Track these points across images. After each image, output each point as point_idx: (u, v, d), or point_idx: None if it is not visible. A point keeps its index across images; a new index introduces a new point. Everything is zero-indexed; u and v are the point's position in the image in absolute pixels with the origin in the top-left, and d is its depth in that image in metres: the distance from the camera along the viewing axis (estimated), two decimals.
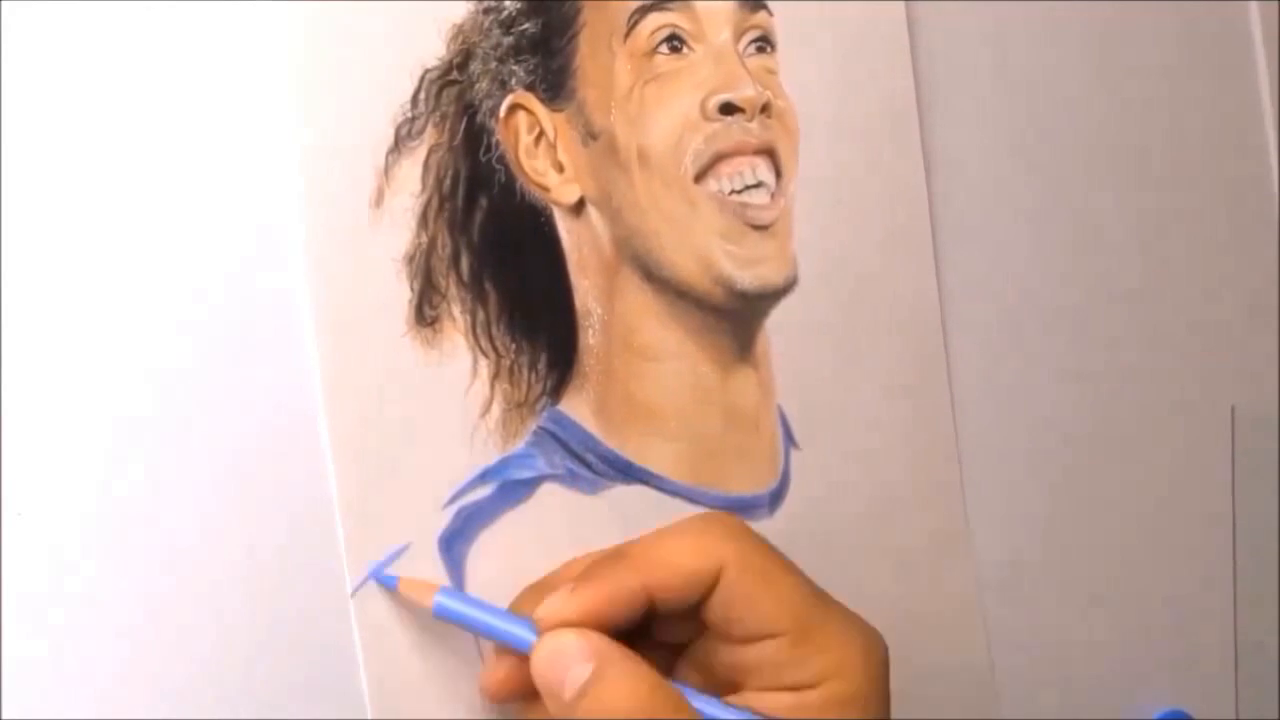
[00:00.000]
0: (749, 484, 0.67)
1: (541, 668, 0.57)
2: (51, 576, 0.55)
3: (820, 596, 0.59)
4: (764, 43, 0.67)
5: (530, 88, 0.63)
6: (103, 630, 0.56)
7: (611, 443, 0.64)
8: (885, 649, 0.59)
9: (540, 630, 0.57)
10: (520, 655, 0.58)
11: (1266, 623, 0.78)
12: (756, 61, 0.66)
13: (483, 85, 0.62)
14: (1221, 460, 0.80)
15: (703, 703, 0.58)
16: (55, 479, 0.55)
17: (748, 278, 0.66)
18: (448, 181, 0.62)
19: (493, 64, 0.63)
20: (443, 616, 0.59)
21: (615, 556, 0.59)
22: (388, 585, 0.59)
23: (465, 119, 0.62)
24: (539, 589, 0.60)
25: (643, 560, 0.58)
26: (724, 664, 0.59)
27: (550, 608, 0.57)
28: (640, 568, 0.58)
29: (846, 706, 0.57)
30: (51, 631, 0.55)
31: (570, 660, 0.56)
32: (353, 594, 0.59)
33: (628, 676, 0.56)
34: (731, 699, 0.59)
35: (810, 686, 0.58)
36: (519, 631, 0.58)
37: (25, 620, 0.54)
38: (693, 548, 0.58)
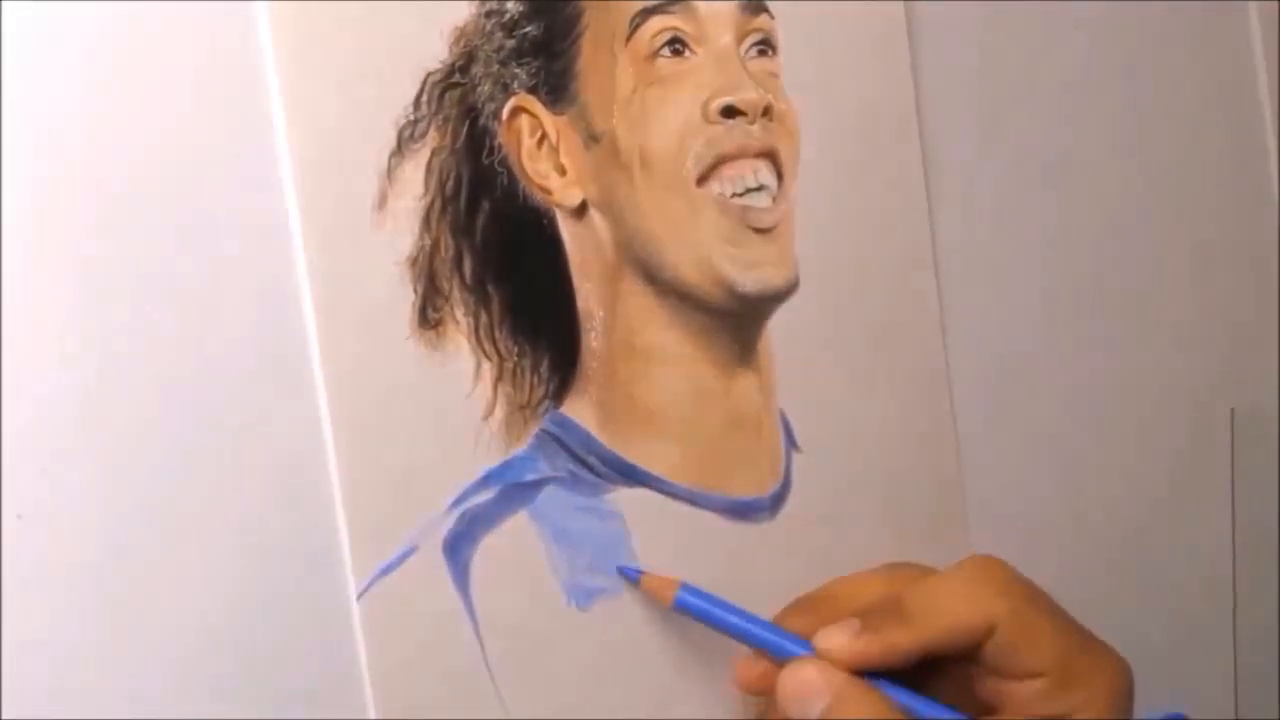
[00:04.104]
0: (751, 486, 0.67)
1: (787, 692, 0.61)
2: (52, 578, 0.55)
3: (1080, 633, 0.63)
4: (765, 46, 0.67)
5: (532, 90, 0.63)
6: (103, 631, 0.56)
7: (613, 445, 0.64)
8: (1131, 680, 0.63)
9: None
10: (774, 660, 0.62)
11: (1266, 623, 0.79)
12: (758, 64, 0.66)
13: (485, 88, 0.62)
14: (1221, 460, 0.80)
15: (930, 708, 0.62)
16: (55, 481, 0.55)
17: (749, 280, 0.66)
18: (450, 184, 0.62)
19: (495, 67, 0.63)
20: (684, 609, 0.63)
21: (893, 610, 0.61)
22: (630, 577, 0.63)
23: (468, 122, 0.62)
24: (808, 606, 0.64)
25: (921, 617, 0.61)
26: (984, 690, 0.62)
27: (831, 643, 0.61)
28: (919, 625, 0.61)
29: None
30: (51, 632, 0.55)
31: (812, 691, 0.60)
32: (359, 597, 0.59)
33: (859, 710, 0.60)
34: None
35: (1063, 718, 0.61)
36: (782, 642, 0.62)
37: (25, 621, 0.54)
38: (969, 604, 0.61)
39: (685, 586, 0.63)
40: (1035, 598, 0.63)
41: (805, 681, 0.61)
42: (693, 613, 0.63)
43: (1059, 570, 0.74)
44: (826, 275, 0.68)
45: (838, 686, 0.60)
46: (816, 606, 0.64)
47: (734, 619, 0.63)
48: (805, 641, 0.62)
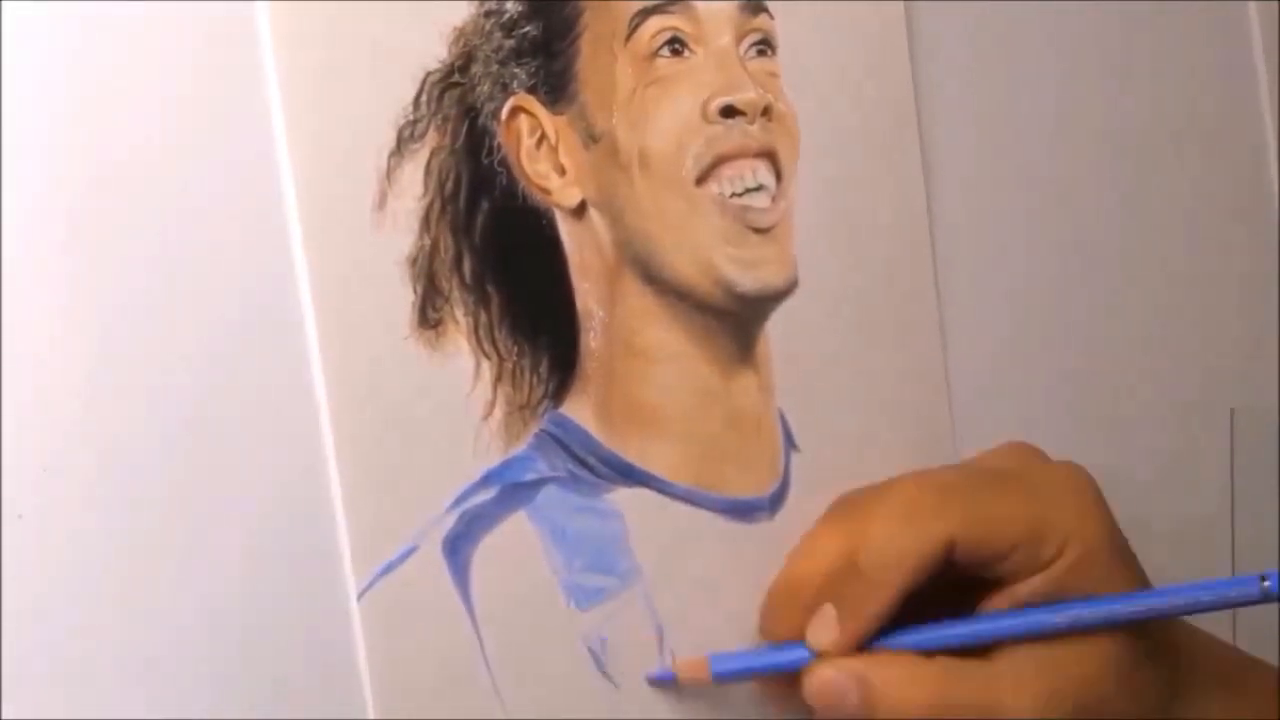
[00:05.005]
0: (750, 486, 0.67)
1: (818, 700, 0.63)
2: (52, 579, 0.55)
3: (1027, 484, 0.65)
4: (765, 46, 0.67)
5: (532, 90, 0.63)
6: (103, 632, 0.56)
7: (613, 445, 0.64)
8: (1088, 481, 0.66)
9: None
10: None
11: (1266, 622, 0.79)
12: (758, 64, 0.66)
13: (484, 88, 0.62)
14: (1222, 460, 0.80)
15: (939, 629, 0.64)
16: (55, 481, 0.55)
17: (748, 280, 0.66)
18: (449, 184, 0.62)
19: (494, 66, 0.63)
20: (724, 678, 0.64)
21: (852, 574, 0.63)
22: (666, 681, 0.64)
23: (467, 122, 0.62)
24: (784, 601, 0.65)
25: (880, 572, 0.62)
26: (980, 577, 0.64)
27: (821, 643, 0.63)
28: (882, 580, 0.62)
29: (1092, 559, 0.64)
30: (51, 633, 0.55)
31: (838, 688, 0.62)
32: (359, 597, 0.59)
33: (892, 680, 0.62)
34: (997, 596, 0.64)
35: (1057, 558, 0.64)
36: (795, 656, 0.64)
37: (25, 621, 0.54)
38: (921, 537, 0.63)
39: (716, 657, 0.64)
40: (976, 487, 0.64)
41: (827, 681, 0.62)
42: (734, 678, 0.65)
43: None
44: (825, 275, 0.68)
45: (859, 670, 0.62)
46: (791, 599, 0.65)
47: (757, 662, 0.65)
48: (800, 645, 0.63)
